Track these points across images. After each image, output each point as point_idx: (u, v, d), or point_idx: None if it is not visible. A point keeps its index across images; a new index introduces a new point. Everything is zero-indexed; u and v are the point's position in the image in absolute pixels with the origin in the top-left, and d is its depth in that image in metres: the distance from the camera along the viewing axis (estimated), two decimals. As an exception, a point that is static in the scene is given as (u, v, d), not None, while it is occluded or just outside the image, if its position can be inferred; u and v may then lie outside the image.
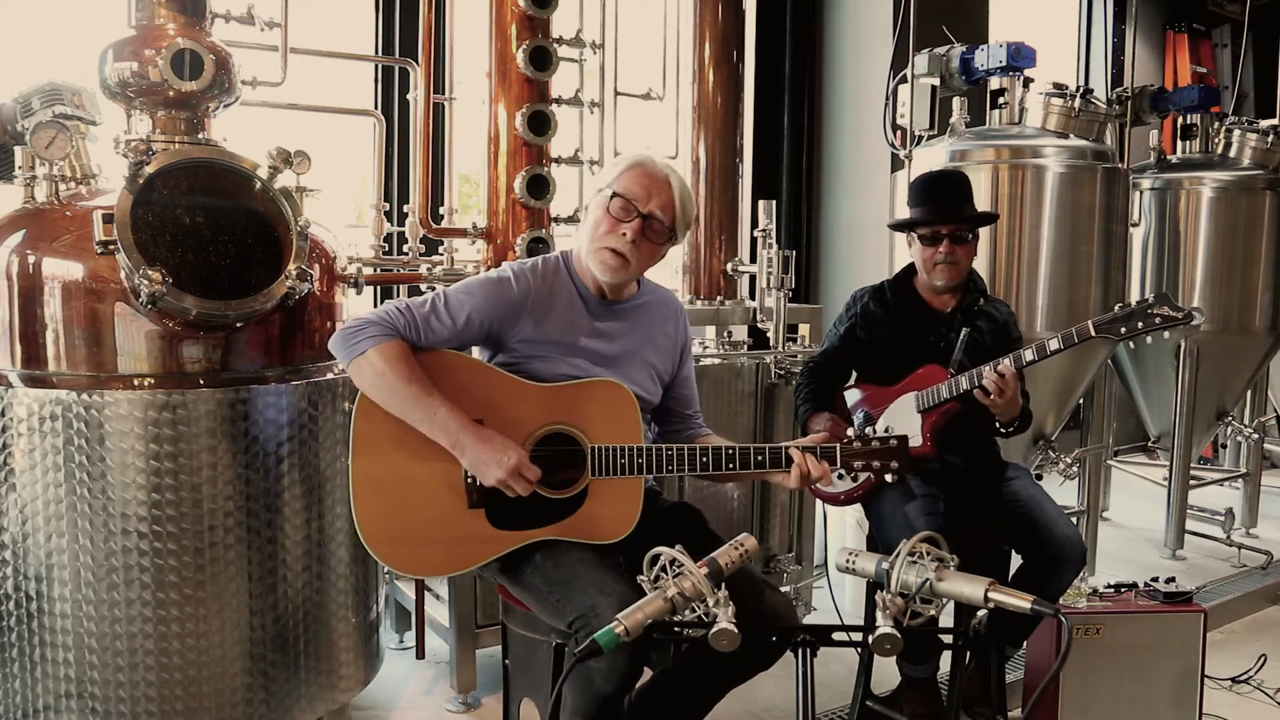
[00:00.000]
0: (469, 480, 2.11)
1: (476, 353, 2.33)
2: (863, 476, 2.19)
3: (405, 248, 3.33)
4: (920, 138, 4.11)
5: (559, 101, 3.45)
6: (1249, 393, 5.38)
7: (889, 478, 2.14)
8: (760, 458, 2.14)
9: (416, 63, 3.36)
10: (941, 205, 2.88)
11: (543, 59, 3.31)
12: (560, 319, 2.23)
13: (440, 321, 2.15)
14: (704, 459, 2.13)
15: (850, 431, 2.15)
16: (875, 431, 2.15)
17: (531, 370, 2.20)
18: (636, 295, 2.35)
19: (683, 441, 2.34)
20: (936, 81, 4.15)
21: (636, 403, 2.15)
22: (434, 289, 2.28)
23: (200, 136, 2.65)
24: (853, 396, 2.98)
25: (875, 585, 1.91)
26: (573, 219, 3.54)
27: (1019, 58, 4.00)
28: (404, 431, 2.09)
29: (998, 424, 2.78)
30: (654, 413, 2.41)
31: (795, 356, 3.61)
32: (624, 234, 2.15)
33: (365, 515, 2.12)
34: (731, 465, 2.13)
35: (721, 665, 2.09)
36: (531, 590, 2.14)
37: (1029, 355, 2.64)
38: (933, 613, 1.81)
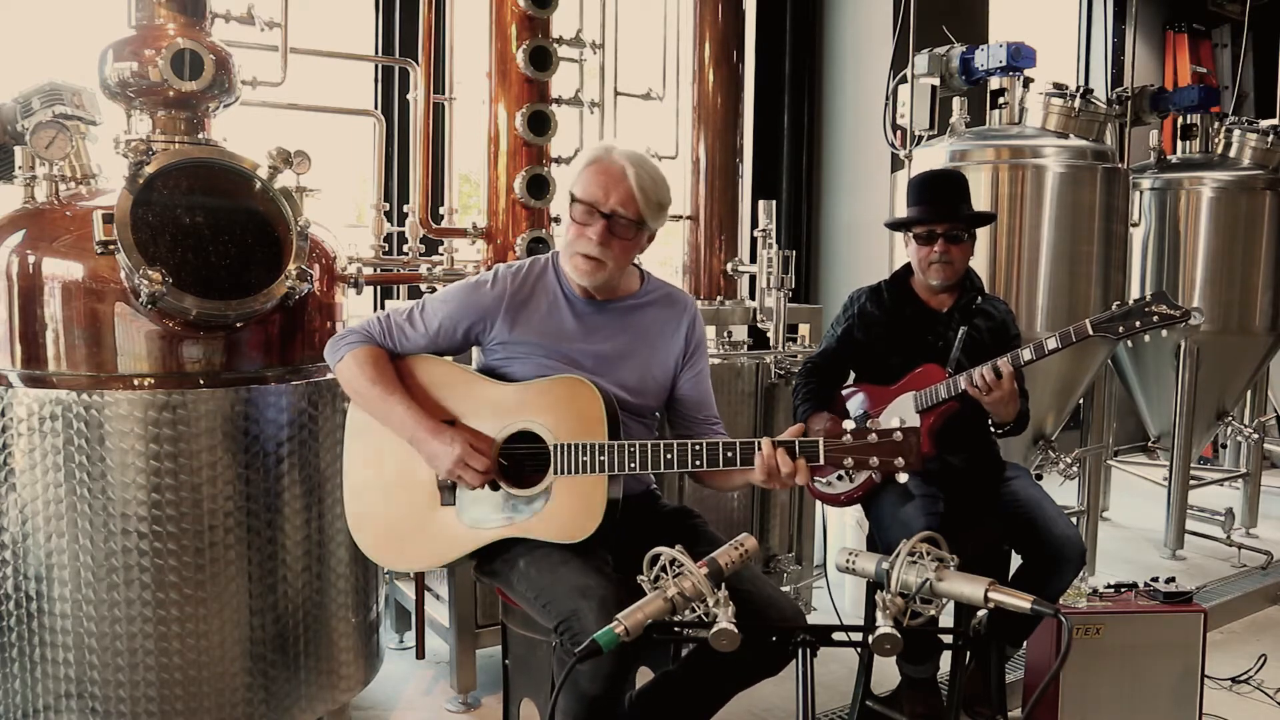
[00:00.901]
0: (440, 478, 2.17)
1: (476, 355, 2.34)
2: (860, 476, 2.12)
3: (405, 248, 3.33)
4: (920, 138, 4.11)
5: (559, 101, 3.45)
6: (1249, 393, 5.37)
7: (901, 478, 1.92)
8: (730, 454, 2.03)
9: (416, 63, 3.36)
10: (937, 205, 2.88)
11: (543, 59, 3.31)
12: (540, 320, 2.23)
13: (414, 329, 2.24)
14: (669, 455, 2.05)
15: (846, 424, 1.95)
16: (875, 425, 1.98)
17: (512, 372, 2.22)
18: (637, 294, 2.32)
19: None
20: (936, 81, 4.15)
21: (601, 399, 2.10)
22: (433, 289, 2.30)
23: (200, 136, 2.65)
24: (851, 397, 2.98)
25: (875, 585, 1.90)
26: (573, 219, 3.54)
27: (1019, 58, 4.00)
28: (388, 433, 2.19)
29: (991, 424, 2.77)
30: (666, 416, 2.39)
31: (795, 356, 3.61)
32: (590, 237, 2.13)
33: (354, 512, 2.26)
34: (699, 462, 2.04)
35: (725, 669, 2.07)
36: (520, 596, 2.14)
37: (1027, 354, 2.64)
38: (933, 613, 1.80)
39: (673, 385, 2.35)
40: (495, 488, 2.13)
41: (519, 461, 2.13)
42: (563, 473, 2.09)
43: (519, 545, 2.13)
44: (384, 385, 2.17)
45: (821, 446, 1.96)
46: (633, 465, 2.07)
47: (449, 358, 2.28)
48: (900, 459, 1.91)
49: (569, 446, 2.09)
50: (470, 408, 2.17)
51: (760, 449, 1.99)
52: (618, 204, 2.13)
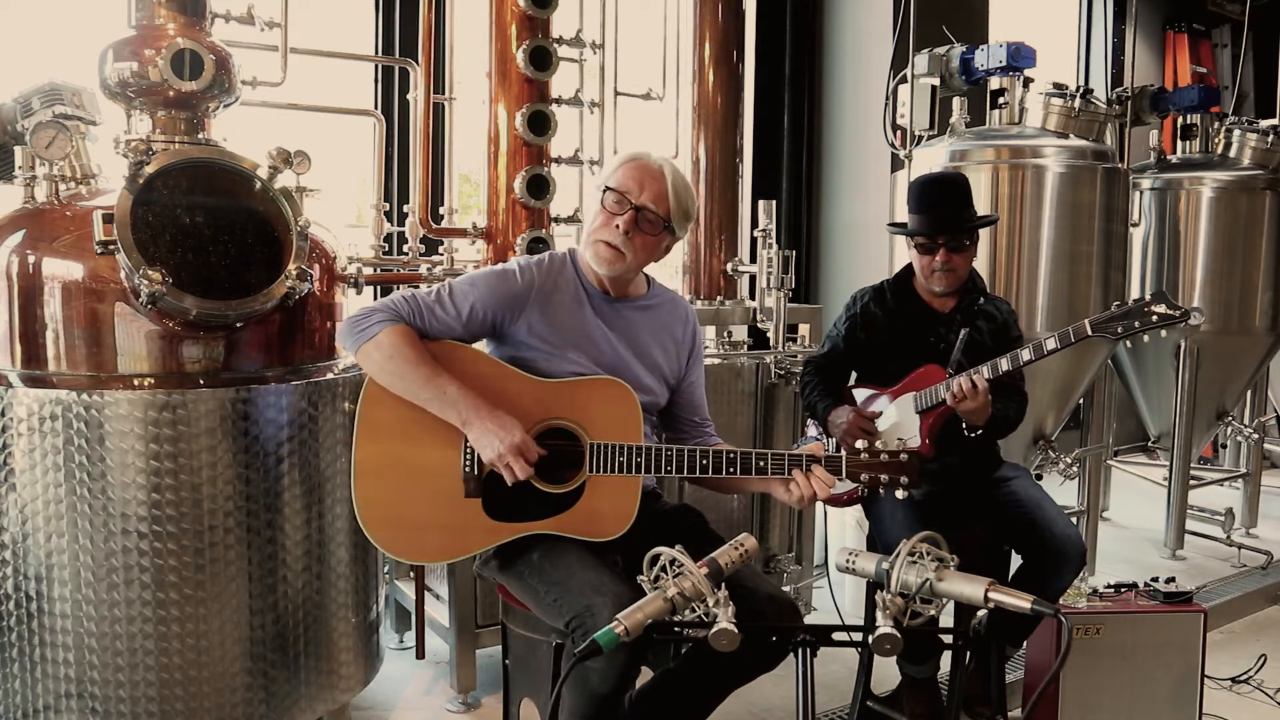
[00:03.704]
0: (467, 469, 2.13)
1: (487, 349, 2.33)
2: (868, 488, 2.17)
3: (405, 248, 3.33)
4: (920, 138, 4.11)
5: (559, 101, 3.45)
6: (1249, 393, 5.37)
7: (899, 494, 2.10)
8: (763, 463, 2.11)
9: (416, 63, 3.36)
10: (938, 213, 2.86)
11: (543, 59, 3.31)
12: (565, 313, 2.24)
13: (445, 311, 2.18)
14: (704, 461, 2.11)
15: (859, 444, 2.11)
16: (884, 445, 2.12)
17: (535, 365, 2.21)
18: (646, 296, 2.35)
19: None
20: (936, 81, 4.15)
21: (638, 402, 2.15)
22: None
23: (200, 136, 2.65)
24: (857, 396, 2.98)
25: (875, 585, 1.91)
26: (573, 219, 3.54)
27: (1019, 58, 4.00)
28: (408, 419, 2.12)
29: (964, 426, 2.75)
30: (661, 418, 2.40)
31: (795, 356, 3.61)
32: (617, 226, 2.17)
33: (364, 498, 2.16)
34: (732, 469, 2.11)
35: (724, 666, 2.08)
36: (530, 590, 2.14)
37: (1026, 355, 2.64)
38: (933, 613, 1.81)
39: (676, 387, 2.38)
40: (524, 483, 2.11)
41: (545, 457, 2.12)
42: (597, 472, 2.10)
43: (534, 539, 2.14)
44: (429, 366, 2.10)
45: (844, 464, 2.11)
46: (669, 469, 2.11)
47: (468, 346, 2.24)
48: (905, 477, 2.09)
49: (606, 447, 2.10)
50: (501, 400, 2.13)
51: (809, 469, 2.10)
52: (650, 199, 2.19)
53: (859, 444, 2.11)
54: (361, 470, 2.17)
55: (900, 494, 2.09)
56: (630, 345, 2.29)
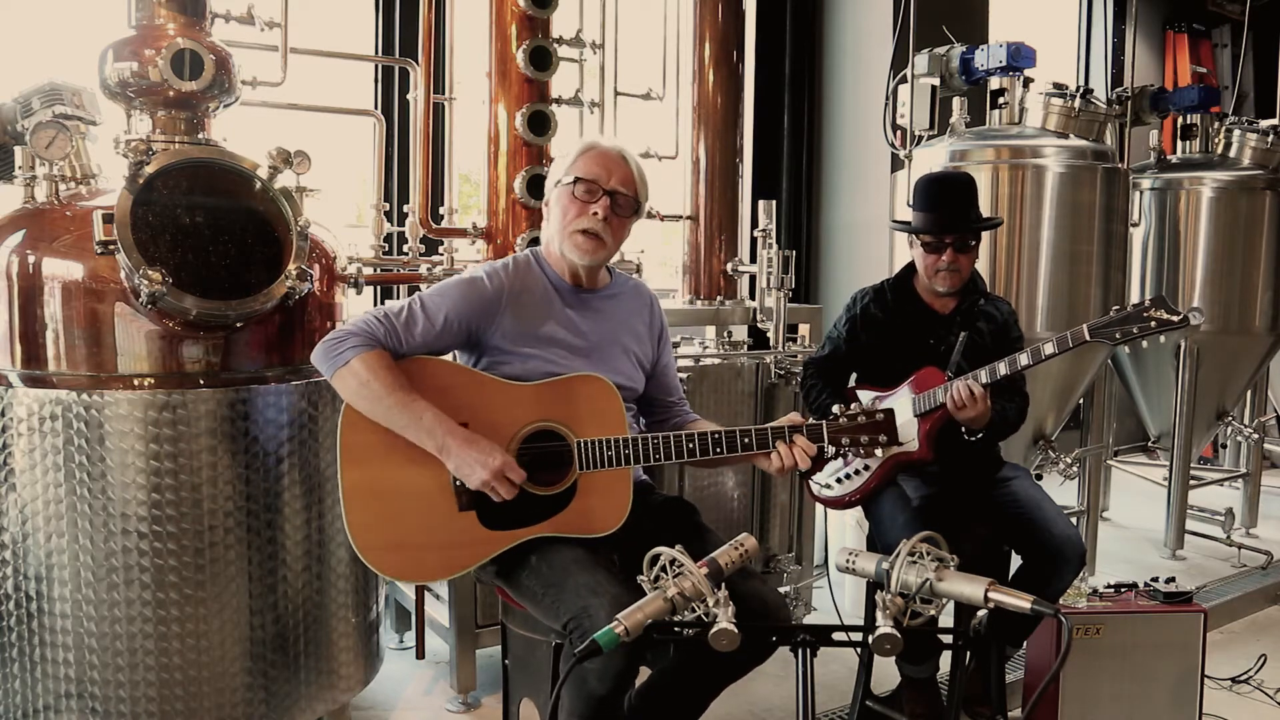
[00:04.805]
0: (457, 483, 2.10)
1: (461, 358, 2.32)
2: (853, 456, 2.20)
3: (405, 248, 3.33)
4: (920, 138, 4.11)
5: (559, 101, 3.45)
6: (1249, 393, 5.38)
7: (879, 452, 2.14)
8: (747, 440, 2.13)
9: (416, 63, 3.36)
10: (946, 212, 2.85)
11: (543, 59, 3.31)
12: (537, 311, 2.24)
13: (419, 325, 2.15)
14: (690, 445, 2.12)
15: (836, 408, 2.15)
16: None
17: (513, 367, 2.20)
18: (610, 286, 2.37)
19: (670, 430, 2.36)
20: (936, 81, 4.15)
21: (619, 394, 2.15)
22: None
23: (200, 136, 2.65)
24: (862, 398, 2.97)
25: (875, 585, 1.91)
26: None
27: (1019, 58, 4.01)
28: (391, 439, 2.08)
29: (963, 430, 2.75)
30: (638, 404, 2.41)
31: (795, 356, 3.61)
32: (594, 213, 2.19)
33: (357, 524, 2.11)
34: (719, 450, 2.13)
35: (717, 662, 2.08)
36: (527, 593, 2.14)
37: (1024, 360, 2.63)
38: (933, 613, 1.81)
39: (651, 372, 2.40)
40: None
41: (533, 461, 2.11)
42: (588, 468, 2.11)
43: (531, 543, 2.13)
44: (404, 391, 2.06)
45: (825, 429, 2.13)
46: (658, 456, 2.12)
47: (446, 358, 2.24)
48: (883, 435, 2.13)
49: (593, 443, 2.10)
50: (482, 410, 2.12)
51: (791, 440, 2.12)
52: (619, 183, 2.22)
53: (834, 408, 2.15)
54: (350, 496, 2.10)
55: (880, 452, 2.14)
56: (604, 335, 2.30)
